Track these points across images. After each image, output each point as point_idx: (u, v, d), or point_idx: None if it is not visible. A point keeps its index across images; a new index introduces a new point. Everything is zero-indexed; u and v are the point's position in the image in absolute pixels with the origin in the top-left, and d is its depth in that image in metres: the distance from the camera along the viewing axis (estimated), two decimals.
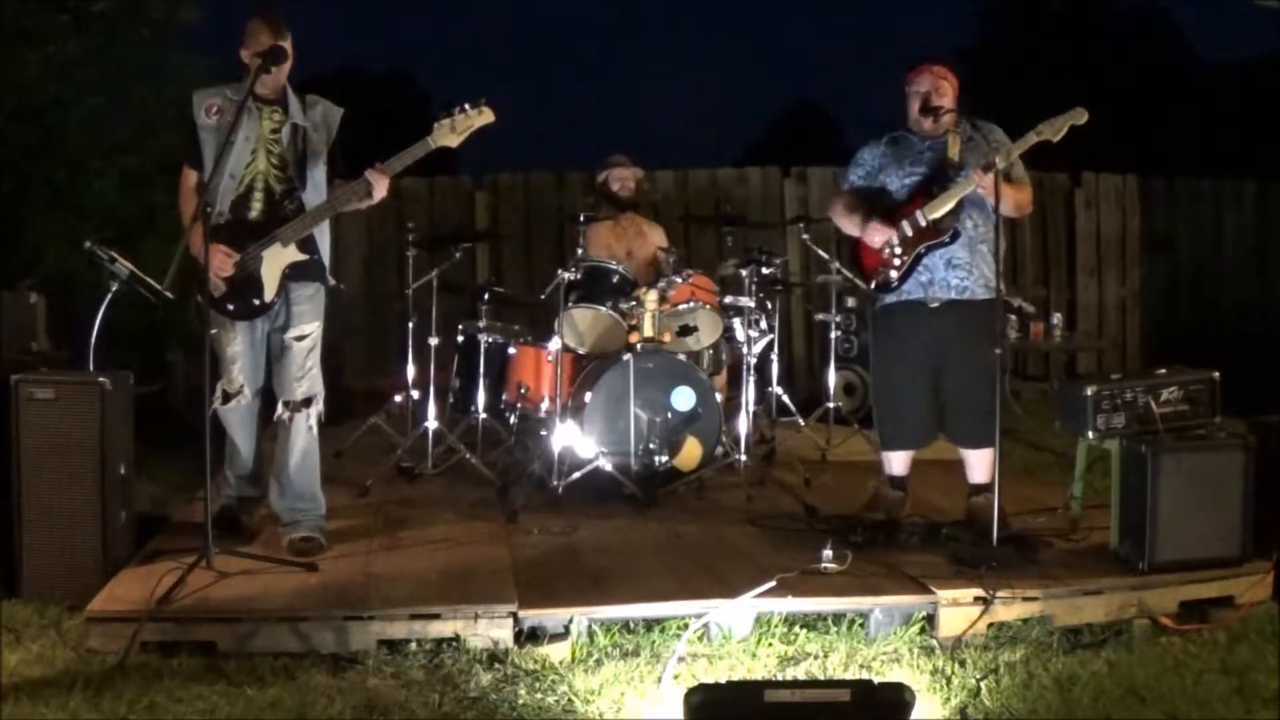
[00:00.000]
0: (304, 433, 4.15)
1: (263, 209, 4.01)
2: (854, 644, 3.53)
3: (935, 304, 4.26)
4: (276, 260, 4.00)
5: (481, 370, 5.50)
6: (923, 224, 4.20)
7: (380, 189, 3.95)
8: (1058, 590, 3.70)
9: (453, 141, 3.95)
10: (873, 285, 4.33)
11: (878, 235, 4.26)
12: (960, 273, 4.23)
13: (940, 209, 4.18)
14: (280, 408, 4.13)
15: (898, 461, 4.46)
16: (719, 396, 5.22)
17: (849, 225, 4.40)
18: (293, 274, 4.05)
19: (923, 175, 4.26)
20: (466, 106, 3.95)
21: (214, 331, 3.98)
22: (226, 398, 4.10)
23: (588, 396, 5.06)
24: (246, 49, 3.96)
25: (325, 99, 4.15)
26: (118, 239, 5.32)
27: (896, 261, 4.25)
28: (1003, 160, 4.06)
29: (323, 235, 4.13)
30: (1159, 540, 3.78)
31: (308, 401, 4.14)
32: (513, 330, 5.84)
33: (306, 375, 4.13)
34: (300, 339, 4.10)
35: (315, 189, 4.06)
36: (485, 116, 3.95)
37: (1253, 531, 3.87)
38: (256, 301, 4.03)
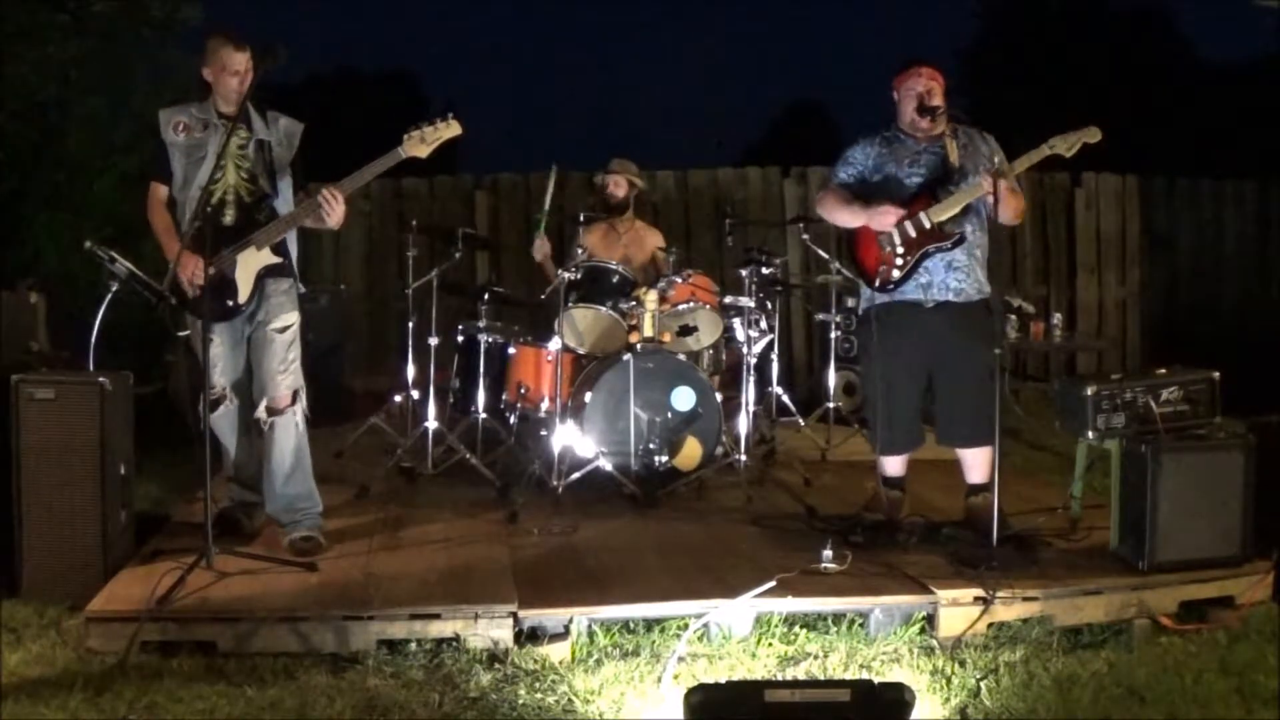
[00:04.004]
0: (293, 431, 4.16)
1: (235, 216, 4.08)
2: (854, 644, 3.53)
3: (931, 304, 4.26)
4: (250, 263, 4.08)
5: (481, 370, 5.50)
6: (927, 226, 4.19)
7: (335, 213, 4.01)
8: (1058, 590, 3.70)
9: (422, 152, 4.04)
10: (875, 284, 4.31)
11: (889, 216, 4.20)
12: (959, 275, 4.24)
13: (946, 212, 4.18)
14: (262, 412, 4.13)
15: (894, 463, 4.46)
16: (719, 396, 5.22)
17: (847, 215, 4.33)
18: (267, 274, 4.13)
19: (924, 177, 4.25)
20: (436, 119, 4.05)
21: (188, 334, 4.11)
22: (212, 406, 4.12)
23: (588, 396, 5.06)
24: (208, 66, 4.06)
25: (285, 114, 4.22)
26: (117, 239, 5.32)
27: (899, 262, 4.24)
28: (1011, 171, 4.07)
29: (291, 241, 4.22)
30: (1159, 540, 3.79)
31: (294, 398, 4.15)
32: (513, 330, 5.84)
33: (289, 368, 4.15)
34: (282, 330, 4.14)
35: (284, 198, 4.15)
36: (453, 129, 4.04)
37: (1253, 531, 3.87)
38: (230, 303, 4.08)
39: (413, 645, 3.44)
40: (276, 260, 4.12)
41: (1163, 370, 4.16)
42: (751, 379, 5.40)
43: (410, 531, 4.47)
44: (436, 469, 5.38)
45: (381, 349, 8.17)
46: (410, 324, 5.82)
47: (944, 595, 3.63)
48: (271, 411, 4.12)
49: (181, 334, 4.22)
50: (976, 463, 4.34)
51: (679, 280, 5.35)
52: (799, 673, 3.35)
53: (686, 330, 5.42)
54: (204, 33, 4.30)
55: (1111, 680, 3.26)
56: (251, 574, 3.76)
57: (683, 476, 5.07)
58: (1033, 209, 9.10)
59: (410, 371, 5.89)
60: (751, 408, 5.43)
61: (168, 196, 4.11)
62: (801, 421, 6.29)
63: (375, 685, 3.20)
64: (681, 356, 5.22)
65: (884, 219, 4.22)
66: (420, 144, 4.01)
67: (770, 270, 5.82)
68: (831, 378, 6.61)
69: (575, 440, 5.03)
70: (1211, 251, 9.57)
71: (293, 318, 4.18)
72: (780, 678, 3.31)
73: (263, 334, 4.14)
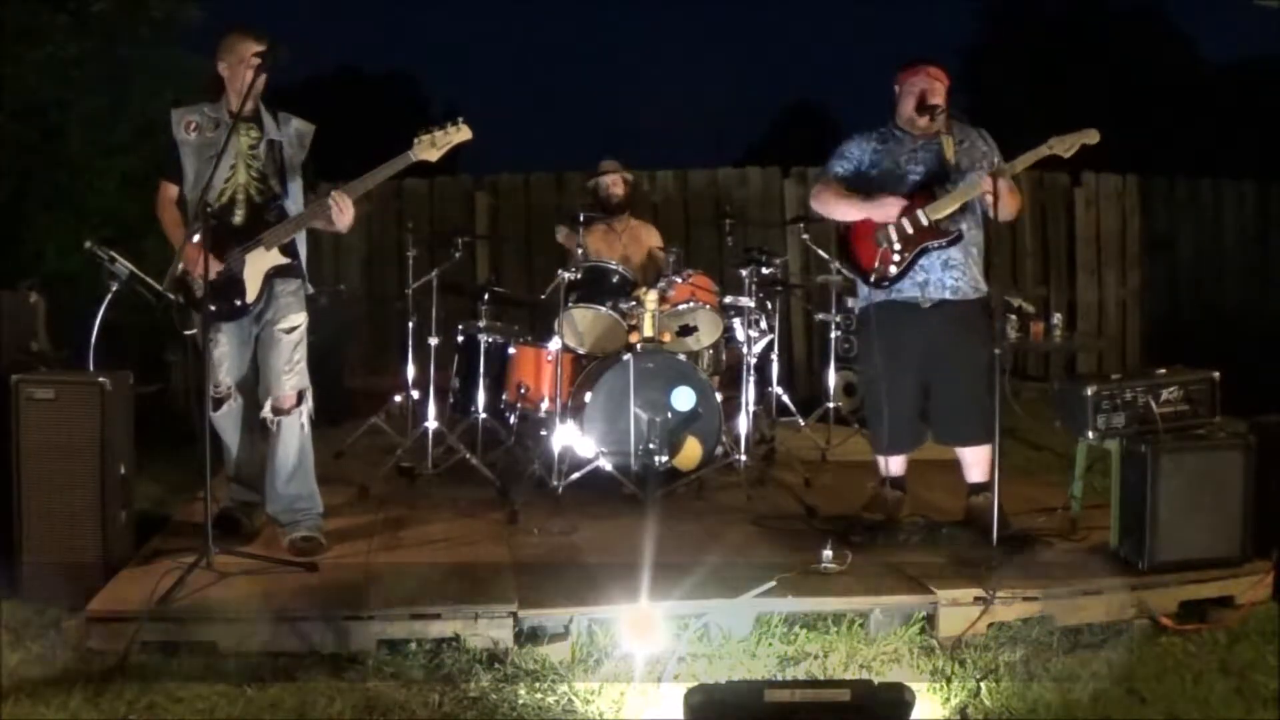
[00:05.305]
0: (297, 431, 4.17)
1: (245, 216, 4.08)
2: (854, 644, 3.53)
3: (928, 304, 4.26)
4: (259, 263, 4.09)
5: (481, 370, 5.50)
6: (925, 223, 4.20)
7: (345, 215, 4.03)
8: (1058, 590, 3.70)
9: (432, 156, 4.06)
10: (872, 281, 4.30)
11: (893, 207, 4.19)
12: (955, 273, 4.24)
13: (944, 210, 4.18)
14: (267, 411, 4.13)
15: (895, 463, 4.46)
16: (719, 396, 5.22)
17: (846, 208, 4.30)
18: (276, 274, 4.13)
19: (921, 174, 4.26)
20: (446, 123, 4.07)
21: (194, 332, 4.07)
22: (216, 404, 4.12)
23: (588, 396, 5.06)
24: (224, 61, 4.06)
25: (296, 116, 4.22)
26: (118, 239, 5.33)
27: (896, 258, 4.24)
28: (1011, 170, 4.08)
29: (301, 242, 4.23)
30: (1159, 540, 3.79)
31: (299, 399, 4.16)
32: (513, 330, 5.85)
33: (295, 369, 4.16)
34: (289, 331, 4.15)
35: (294, 199, 4.16)
36: (463, 134, 4.06)
37: (1253, 531, 3.87)
38: (238, 302, 4.09)
39: (413, 645, 3.44)
40: (285, 261, 4.13)
41: (1163, 370, 4.16)
42: (751, 379, 5.40)
43: (410, 531, 4.47)
44: (436, 469, 5.38)
45: (381, 349, 8.17)
46: (410, 324, 5.83)
47: (944, 595, 3.63)
48: (277, 411, 4.12)
49: (188, 332, 4.22)
50: (976, 461, 4.34)
51: (679, 280, 5.35)
52: (799, 673, 3.35)
53: (686, 330, 5.43)
54: (207, 31, 4.31)
55: (1111, 680, 3.26)
56: (251, 574, 3.76)
57: (683, 476, 5.07)
58: (1033, 209, 9.10)
59: (410, 371, 5.89)
60: (751, 408, 5.43)
61: (178, 195, 4.11)
62: (801, 421, 6.28)
63: (375, 685, 3.20)
64: (681, 356, 5.22)
65: (888, 210, 4.21)
66: (430, 148, 4.03)
67: (770, 270, 5.82)
68: (831, 378, 6.61)
69: (575, 440, 5.03)
70: (1211, 251, 9.57)
71: (300, 319, 4.19)
72: (780, 678, 3.31)
73: (270, 334, 4.14)
